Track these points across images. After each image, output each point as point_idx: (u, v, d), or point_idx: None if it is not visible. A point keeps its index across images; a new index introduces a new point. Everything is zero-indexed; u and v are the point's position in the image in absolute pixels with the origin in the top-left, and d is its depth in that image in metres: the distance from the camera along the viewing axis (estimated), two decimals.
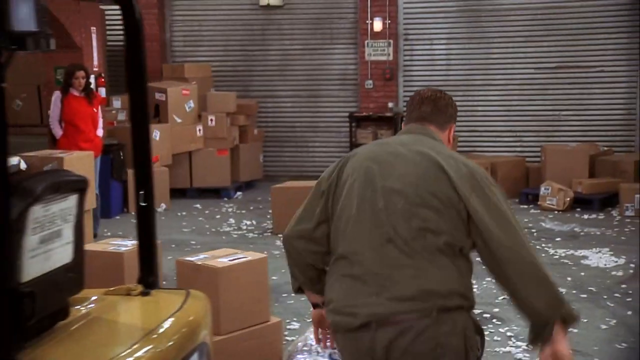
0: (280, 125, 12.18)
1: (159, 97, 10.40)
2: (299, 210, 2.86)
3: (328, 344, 3.04)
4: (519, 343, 5.20)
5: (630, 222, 8.96)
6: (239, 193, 11.02)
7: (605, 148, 10.96)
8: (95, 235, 8.38)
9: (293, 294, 6.29)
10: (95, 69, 9.83)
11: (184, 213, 9.76)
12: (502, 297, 6.16)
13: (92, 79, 9.63)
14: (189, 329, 2.82)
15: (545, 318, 2.53)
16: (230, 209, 10.02)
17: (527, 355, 5.02)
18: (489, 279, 6.38)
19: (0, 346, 2.01)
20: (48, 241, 2.44)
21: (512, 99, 11.61)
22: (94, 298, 3.00)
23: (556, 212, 9.61)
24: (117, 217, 9.49)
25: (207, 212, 9.87)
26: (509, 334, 5.38)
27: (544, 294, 2.54)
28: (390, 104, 11.54)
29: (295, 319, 5.72)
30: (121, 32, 11.85)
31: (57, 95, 8.28)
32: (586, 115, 11.39)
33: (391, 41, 11.55)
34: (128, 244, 4.54)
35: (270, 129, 12.13)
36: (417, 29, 11.75)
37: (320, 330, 2.99)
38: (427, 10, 11.70)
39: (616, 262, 7.23)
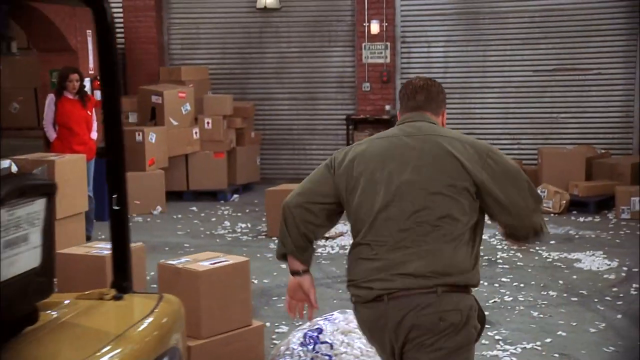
0: (277, 128, 12.17)
1: (155, 99, 10.40)
2: (304, 182, 3.03)
3: (301, 314, 3.22)
4: (507, 347, 5.18)
5: (625, 225, 8.93)
6: (235, 196, 11.02)
7: (603, 151, 10.92)
8: (89, 238, 8.37)
9: (283, 298, 6.30)
10: (91, 72, 9.84)
11: (179, 216, 9.76)
12: (492, 301, 6.15)
13: (87, 82, 9.66)
14: (158, 333, 2.80)
15: (525, 239, 2.99)
16: (226, 212, 10.01)
17: (515, 359, 5.00)
18: (481, 281, 6.39)
19: None
20: (13, 245, 2.43)
21: (509, 102, 11.58)
22: (66, 302, 2.99)
23: (552, 215, 9.58)
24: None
25: (202, 215, 9.86)
26: (497, 337, 5.36)
27: (531, 235, 2.94)
28: (387, 107, 11.52)
29: (284, 322, 5.70)
30: (120, 36, 11.94)
31: (50, 98, 8.29)
32: (584, 117, 11.36)
33: (388, 44, 11.53)
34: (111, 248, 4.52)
35: (267, 131, 12.12)
36: (415, 31, 11.73)
37: (296, 298, 3.16)
38: (425, 12, 11.68)
39: (609, 265, 7.20)
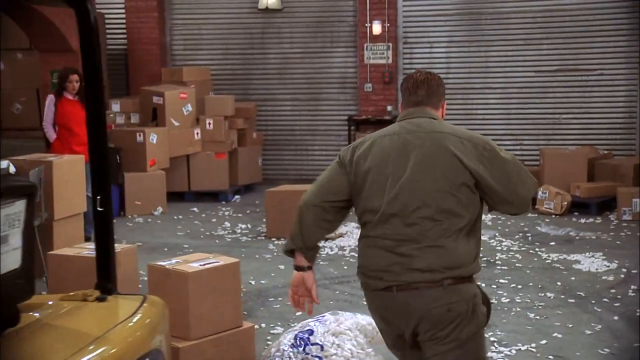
0: (279, 129, 12.17)
1: (156, 100, 10.40)
2: (319, 182, 3.16)
3: (303, 308, 3.35)
4: (502, 348, 5.15)
5: (627, 227, 8.88)
6: (237, 196, 11.01)
7: (605, 151, 10.87)
8: (88, 239, 8.36)
9: (280, 299, 6.30)
10: None
11: (180, 216, 9.76)
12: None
13: None
14: (140, 335, 2.79)
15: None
16: (227, 213, 10.01)
17: None
18: (479, 282, 6.36)
19: None
20: None
21: (511, 103, 11.54)
22: (49, 304, 2.99)
23: (553, 216, 9.54)
24: (114, 221, 9.44)
25: (203, 215, 9.86)
26: (492, 339, 5.32)
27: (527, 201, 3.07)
28: (389, 108, 11.50)
29: (279, 323, 5.69)
30: (122, 36, 11.95)
31: (50, 99, 8.30)
32: (586, 118, 11.31)
33: (390, 44, 11.51)
34: None
35: (269, 132, 12.12)
36: (417, 32, 11.71)
37: (298, 293, 3.28)
38: (427, 13, 11.66)
39: (608, 266, 7.16)
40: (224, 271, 4.20)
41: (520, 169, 3.05)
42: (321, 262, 7.48)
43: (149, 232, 8.92)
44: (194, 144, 10.65)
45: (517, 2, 11.39)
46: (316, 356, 4.09)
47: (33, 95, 10.86)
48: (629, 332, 5.46)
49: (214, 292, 4.11)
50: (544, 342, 5.26)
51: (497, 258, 7.50)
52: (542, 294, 6.35)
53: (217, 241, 8.47)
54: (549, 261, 7.42)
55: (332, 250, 7.90)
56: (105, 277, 3.09)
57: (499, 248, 7.89)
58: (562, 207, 9.67)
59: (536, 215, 9.64)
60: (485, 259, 7.45)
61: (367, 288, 3.06)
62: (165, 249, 8.00)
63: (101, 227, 3.08)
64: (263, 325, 5.64)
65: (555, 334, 5.42)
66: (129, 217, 9.71)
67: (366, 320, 4.30)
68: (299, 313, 5.89)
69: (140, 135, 9.92)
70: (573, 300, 6.20)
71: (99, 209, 3.04)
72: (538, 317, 5.78)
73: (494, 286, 6.56)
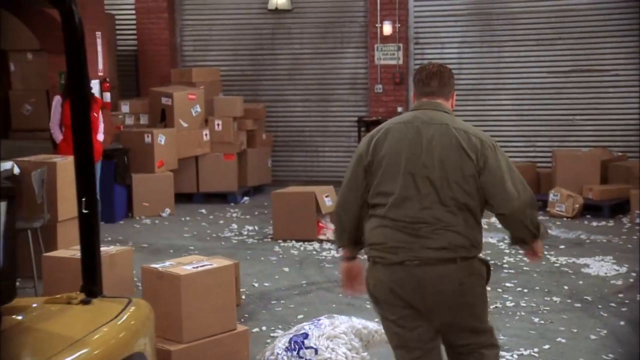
0: (289, 130, 12.17)
1: (165, 101, 10.44)
2: (345, 183, 3.44)
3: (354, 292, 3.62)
4: (503, 353, 5.10)
5: (639, 230, 8.78)
6: (245, 198, 11.02)
7: (619, 153, 10.77)
8: None
9: (282, 301, 6.30)
10: (100, 74, 9.89)
11: (187, 218, 9.78)
12: (493, 306, 6.07)
13: (96, 84, 9.73)
14: (121, 338, 2.80)
15: (524, 241, 3.39)
16: (235, 214, 10.01)
17: None
18: None
19: None
20: None
21: (524, 104, 11.46)
22: (33, 306, 3.00)
23: (565, 219, 9.46)
24: (121, 222, 9.53)
25: (211, 217, 9.87)
26: None
27: (527, 233, 3.33)
28: (399, 109, 11.46)
29: (280, 326, 5.67)
30: (132, 37, 12.01)
31: (57, 100, 8.35)
32: (600, 119, 11.21)
33: (401, 45, 11.48)
34: None
35: (279, 133, 12.12)
36: (428, 32, 11.66)
37: (349, 279, 3.58)
38: (438, 13, 11.61)
39: (617, 270, 7.09)
40: (218, 274, 4.20)
41: (517, 174, 3.34)
42: (326, 265, 7.47)
43: (156, 234, 8.95)
44: (202, 145, 10.68)
45: (530, 1, 11.31)
46: None
47: (43, 97, 10.92)
48: (634, 338, 5.40)
49: (207, 294, 4.11)
50: (547, 347, 5.22)
51: (504, 261, 7.45)
52: (548, 298, 6.29)
53: (223, 243, 8.48)
54: (557, 265, 7.36)
55: (337, 253, 7.85)
56: (90, 280, 3.10)
57: (507, 251, 7.83)
58: (574, 209, 9.59)
59: (547, 218, 9.57)
60: (492, 262, 7.35)
61: (378, 262, 3.27)
62: (171, 251, 8.01)
63: (86, 229, 3.08)
64: (264, 328, 5.64)
65: (559, 339, 5.37)
66: (137, 218, 9.74)
67: (362, 324, 4.28)
68: (300, 316, 5.90)
69: (148, 136, 9.95)
70: (579, 305, 6.14)
71: (84, 211, 3.03)
72: (542, 322, 5.73)
73: (500, 290, 6.52)
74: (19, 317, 2.82)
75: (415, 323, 3.29)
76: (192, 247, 8.22)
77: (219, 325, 4.18)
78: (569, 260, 7.49)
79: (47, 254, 4.69)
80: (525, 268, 7.23)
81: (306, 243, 8.21)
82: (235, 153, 10.86)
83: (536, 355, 5.09)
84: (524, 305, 6.13)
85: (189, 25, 12.37)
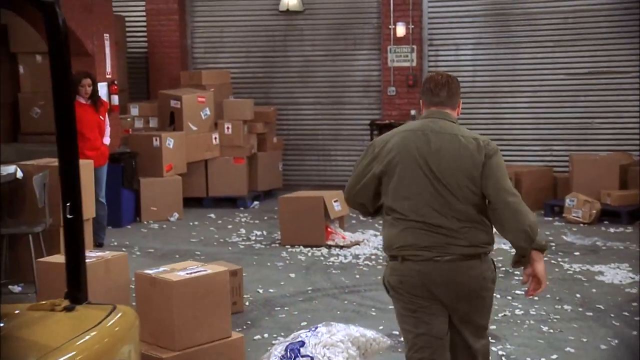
0: (301, 133, 12.16)
1: (174, 104, 10.47)
2: (352, 177, 3.73)
3: None
4: None
5: None
6: (256, 203, 11.02)
7: (639, 157, 10.65)
8: (100, 245, 8.46)
9: (286, 308, 6.27)
10: (108, 76, 9.93)
11: (196, 223, 9.79)
12: (501, 314, 6.03)
13: (104, 87, 9.76)
14: (103, 345, 2.79)
15: (523, 250, 3.52)
16: (244, 219, 10.02)
17: None
18: (494, 294, 6.26)
19: None
20: None
21: (541, 107, 11.37)
22: (16, 313, 3.00)
23: (581, 225, 9.37)
24: (129, 227, 9.55)
25: (219, 222, 9.88)
26: (500, 352, 5.24)
27: (522, 234, 3.45)
28: (412, 112, 11.42)
29: (282, 333, 5.65)
30: (143, 39, 12.06)
31: None
32: (620, 123, 11.09)
33: (415, 47, 11.44)
34: (92, 256, 4.54)
35: (291, 136, 12.11)
36: (442, 33, 11.61)
37: None
38: (453, 14, 11.56)
39: (633, 278, 7.01)
40: (212, 280, 4.18)
41: (508, 178, 3.57)
42: (333, 271, 7.45)
43: (163, 239, 8.97)
44: (212, 149, 10.69)
45: (547, 2, 11.23)
46: None
47: (52, 100, 10.99)
48: None
49: (200, 301, 4.10)
50: (554, 356, 5.16)
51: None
52: (559, 306, 6.23)
53: (230, 248, 8.48)
54: (571, 272, 7.29)
55: (345, 259, 7.86)
56: (75, 286, 3.10)
57: None
58: (591, 215, 9.50)
59: (563, 223, 9.49)
60: (503, 268, 7.33)
61: (409, 259, 3.53)
62: (177, 256, 8.02)
63: (71, 234, 3.07)
64: (266, 335, 5.62)
65: (567, 349, 5.31)
66: (145, 223, 9.77)
67: (359, 332, 4.25)
68: (304, 323, 5.88)
69: (156, 140, 9.98)
70: (591, 314, 6.07)
71: (68, 216, 3.03)
72: (552, 331, 5.67)
73: (509, 297, 6.46)
74: (0, 325, 2.82)
75: (433, 317, 3.57)
76: (198, 252, 8.23)
77: (213, 333, 4.17)
78: (582, 268, 7.42)
79: (41, 259, 4.71)
80: None
81: (314, 249, 8.19)
82: (245, 157, 10.87)
83: None
84: (534, 313, 6.07)
85: (200, 27, 12.41)
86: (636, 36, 10.88)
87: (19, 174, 6.86)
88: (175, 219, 9.93)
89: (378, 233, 8.57)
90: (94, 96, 8.36)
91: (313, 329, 4.34)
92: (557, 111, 11.32)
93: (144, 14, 12.29)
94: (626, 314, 6.05)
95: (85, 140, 8.26)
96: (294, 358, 4.08)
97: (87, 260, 4.62)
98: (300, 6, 11.82)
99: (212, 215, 10.21)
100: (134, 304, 4.65)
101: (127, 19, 12.08)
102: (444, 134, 3.55)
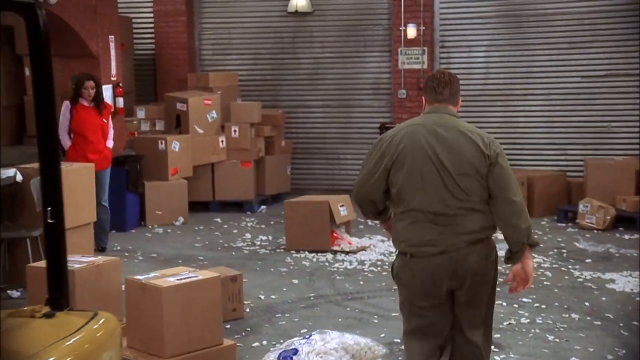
0: (310, 137, 12.15)
1: (180, 107, 10.49)
2: (364, 172, 3.91)
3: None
4: None
5: None
6: (263, 207, 11.02)
7: None
8: (103, 249, 8.50)
9: (287, 315, 6.26)
10: (113, 79, 9.98)
11: (201, 227, 9.81)
12: (506, 323, 5.99)
13: (109, 89, 9.80)
14: (82, 352, 2.79)
15: (521, 245, 3.78)
16: (250, 224, 10.02)
17: None
18: (499, 302, 6.23)
19: None
20: None
21: (555, 110, 11.30)
22: None
23: (595, 231, 9.30)
24: (133, 231, 9.58)
25: (225, 226, 9.89)
26: None
27: (523, 235, 3.76)
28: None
29: (282, 340, 5.61)
30: (150, 41, 12.10)
31: (66, 106, 8.43)
32: (636, 126, 10.96)
33: (426, 49, 11.40)
34: (84, 261, 4.55)
35: (300, 140, 12.11)
36: (454, 35, 11.57)
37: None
38: (465, 15, 11.51)
39: None
40: (202, 286, 4.18)
41: (513, 175, 3.86)
42: (337, 277, 7.43)
43: (166, 243, 8.99)
44: (218, 152, 10.71)
45: (562, 2, 11.16)
46: None
47: (58, 102, 11.04)
48: None
49: (191, 307, 4.09)
50: None
51: None
52: (566, 315, 6.17)
53: (234, 253, 8.48)
54: (581, 280, 7.23)
55: (350, 265, 7.83)
56: (56, 292, 3.10)
57: None
58: (605, 221, 9.42)
59: (576, 230, 9.42)
60: None
61: (419, 256, 3.77)
62: (180, 261, 8.02)
63: (52, 239, 3.07)
64: (264, 342, 5.61)
65: (572, 358, 5.26)
66: (149, 227, 9.79)
67: (354, 339, 4.23)
68: (304, 330, 5.86)
69: (162, 143, 10.01)
70: (599, 323, 6.01)
71: (49, 220, 3.03)
72: (557, 340, 5.63)
73: (515, 305, 6.41)
74: None
75: (438, 313, 3.83)
76: (201, 257, 8.24)
77: (204, 340, 4.16)
78: (593, 275, 7.35)
79: (31, 264, 4.73)
80: (545, 283, 7.11)
81: (319, 254, 8.18)
82: (252, 160, 10.87)
83: None
84: (540, 322, 6.02)
85: (208, 28, 12.44)
86: None
87: (19, 177, 6.90)
88: (180, 224, 9.95)
89: (385, 239, 8.54)
90: (97, 99, 8.39)
91: (307, 336, 4.33)
92: (571, 114, 11.24)
93: (151, 15, 12.34)
94: (635, 323, 5.99)
95: (88, 143, 8.32)
96: None
97: (78, 266, 4.66)
98: (309, 7, 11.82)
99: (218, 220, 10.22)
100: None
101: (134, 20, 12.13)
102: (450, 128, 3.80)
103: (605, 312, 6.25)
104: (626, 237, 9.06)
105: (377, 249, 8.43)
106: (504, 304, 6.43)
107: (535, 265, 7.60)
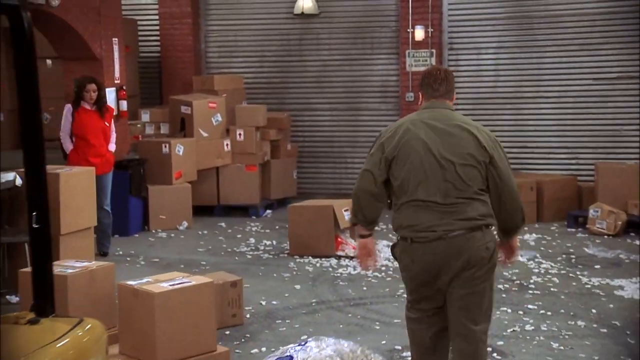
0: (317, 140, 12.14)
1: (184, 110, 10.51)
2: (366, 167, 4.08)
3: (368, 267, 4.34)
4: None
5: None
6: (268, 211, 11.01)
7: None
8: (105, 254, 8.52)
9: (288, 321, 6.25)
10: (117, 82, 10.00)
11: (205, 232, 9.81)
12: (510, 330, 5.95)
13: (112, 92, 9.83)
14: (65, 358, 2.78)
15: (516, 228, 4.13)
16: (254, 228, 10.02)
17: None
18: (504, 308, 6.20)
19: None
20: None
21: (566, 113, 11.24)
22: None
23: (605, 236, 9.24)
24: (136, 235, 9.60)
25: (229, 231, 9.89)
26: None
27: (520, 214, 4.08)
28: None
29: (281, 347, 5.61)
30: (156, 43, 12.13)
31: (68, 109, 8.46)
32: None
33: (434, 51, 11.37)
34: (77, 266, 4.55)
35: (306, 143, 12.10)
36: (463, 37, 11.54)
37: (363, 254, 4.24)
38: (474, 17, 11.48)
39: None
40: (196, 292, 4.17)
41: (509, 165, 4.09)
42: (340, 282, 7.41)
43: (169, 248, 9.00)
44: (223, 156, 10.71)
45: (573, 3, 11.11)
46: None
47: (62, 105, 11.08)
48: None
49: (183, 313, 4.09)
50: None
51: (531, 281, 7.29)
52: (572, 322, 6.13)
53: (237, 258, 8.48)
54: (589, 286, 7.18)
55: (354, 270, 7.81)
56: (41, 299, 3.09)
57: (536, 270, 7.68)
58: (616, 227, 9.36)
59: (586, 235, 9.36)
60: (517, 282, 7.27)
61: (417, 241, 3.95)
62: (182, 266, 8.03)
63: (38, 244, 3.08)
64: (263, 349, 5.60)
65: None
66: (153, 231, 9.81)
67: (350, 347, 4.21)
68: (304, 337, 5.84)
69: (165, 147, 10.02)
70: (605, 330, 5.96)
71: (34, 225, 3.03)
72: (562, 348, 5.58)
73: (521, 312, 6.38)
74: None
75: (437, 294, 4.03)
76: (204, 262, 8.24)
77: (197, 346, 4.16)
78: (602, 282, 7.30)
79: (23, 269, 4.74)
80: (552, 289, 7.07)
81: (323, 259, 8.16)
82: (257, 164, 10.87)
83: None
84: (545, 329, 5.98)
85: (214, 31, 12.46)
86: None
87: (18, 181, 6.91)
88: (184, 228, 9.96)
89: (391, 243, 8.50)
90: (100, 102, 8.41)
91: (302, 343, 4.31)
92: (583, 117, 11.18)
93: (157, 17, 12.37)
94: None
95: (89, 147, 8.34)
96: None
97: (71, 271, 4.66)
98: (315, 9, 11.81)
99: (223, 224, 10.22)
100: None
101: (139, 22, 12.18)
102: (449, 122, 4.02)
103: (612, 320, 6.20)
104: (637, 242, 9.00)
105: (382, 254, 8.36)
106: (509, 310, 6.40)
107: (542, 271, 7.61)
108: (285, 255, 8.50)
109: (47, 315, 3.07)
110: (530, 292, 6.98)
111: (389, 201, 4.17)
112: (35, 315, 3.05)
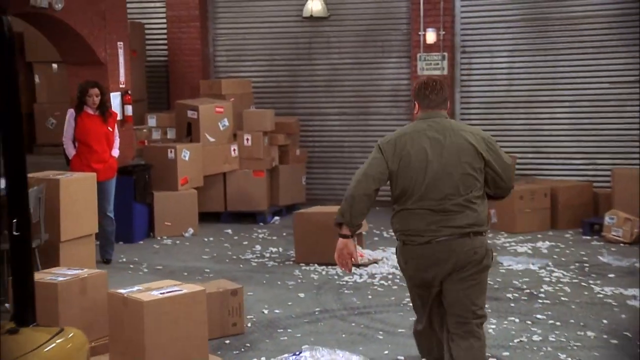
0: (326, 145, 12.12)
1: (191, 115, 10.52)
2: (364, 171, 4.31)
3: (349, 268, 4.55)
4: None
5: None
6: (276, 218, 11.00)
7: None
8: (108, 261, 8.55)
9: (289, 330, 6.23)
10: (122, 86, 10.04)
11: (211, 239, 9.81)
12: (517, 340, 5.90)
13: (117, 97, 9.86)
14: None
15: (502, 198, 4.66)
16: (261, 235, 10.01)
17: None
18: (512, 318, 6.14)
19: None
20: None
21: (582, 117, 11.16)
22: None
23: (621, 244, 9.15)
24: (141, 242, 9.61)
25: (235, 238, 9.88)
26: None
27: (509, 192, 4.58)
28: None
29: (280, 356, 5.59)
30: (163, 47, 12.16)
31: (70, 114, 8.48)
32: None
33: (446, 54, 11.32)
34: (68, 274, 4.55)
35: (316, 149, 12.08)
36: (476, 40, 11.49)
37: (344, 254, 4.46)
38: (487, 19, 11.43)
39: None
40: (187, 301, 4.16)
41: (507, 162, 4.44)
42: (345, 291, 7.38)
43: (174, 255, 9.01)
44: (230, 161, 10.72)
45: (589, 5, 11.04)
46: None
47: (65, 110, 11.15)
48: None
49: (174, 322, 4.08)
50: None
51: (541, 290, 7.23)
52: (582, 333, 6.06)
53: (241, 266, 8.47)
54: (601, 296, 7.10)
55: (360, 278, 7.78)
56: (22, 308, 3.09)
57: (547, 279, 7.61)
58: (632, 234, 9.27)
59: (602, 243, 9.28)
60: (527, 291, 7.21)
61: (410, 243, 4.32)
62: (185, 274, 8.05)
63: (18, 253, 3.07)
64: (263, 358, 5.58)
65: None
66: (158, 238, 9.82)
67: (345, 357, 4.18)
68: (305, 346, 5.82)
69: (171, 152, 10.04)
70: (616, 341, 5.90)
71: (14, 233, 3.03)
72: (570, 359, 5.53)
73: (529, 322, 6.32)
74: None
75: (432, 291, 4.42)
76: (207, 270, 8.24)
77: (188, 355, 4.14)
78: (615, 291, 7.22)
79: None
80: (563, 298, 7.00)
81: (329, 267, 8.13)
82: (265, 170, 10.86)
83: None
84: (553, 340, 5.91)
85: (222, 34, 12.48)
86: None
87: None
88: (190, 235, 9.96)
89: None
90: (103, 107, 8.43)
91: (297, 353, 4.29)
92: (599, 122, 11.10)
93: (164, 21, 12.41)
94: None
95: (92, 153, 8.36)
96: None
97: (62, 279, 4.67)
98: (324, 12, 11.81)
99: (229, 231, 10.22)
100: None
101: (146, 26, 12.23)
102: (446, 131, 4.32)
103: (623, 330, 6.13)
104: None
105: (389, 261, 8.35)
106: (517, 320, 6.35)
107: (554, 280, 7.55)
108: (291, 262, 8.48)
109: (28, 325, 3.07)
110: (540, 301, 6.91)
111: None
112: (16, 325, 3.04)
